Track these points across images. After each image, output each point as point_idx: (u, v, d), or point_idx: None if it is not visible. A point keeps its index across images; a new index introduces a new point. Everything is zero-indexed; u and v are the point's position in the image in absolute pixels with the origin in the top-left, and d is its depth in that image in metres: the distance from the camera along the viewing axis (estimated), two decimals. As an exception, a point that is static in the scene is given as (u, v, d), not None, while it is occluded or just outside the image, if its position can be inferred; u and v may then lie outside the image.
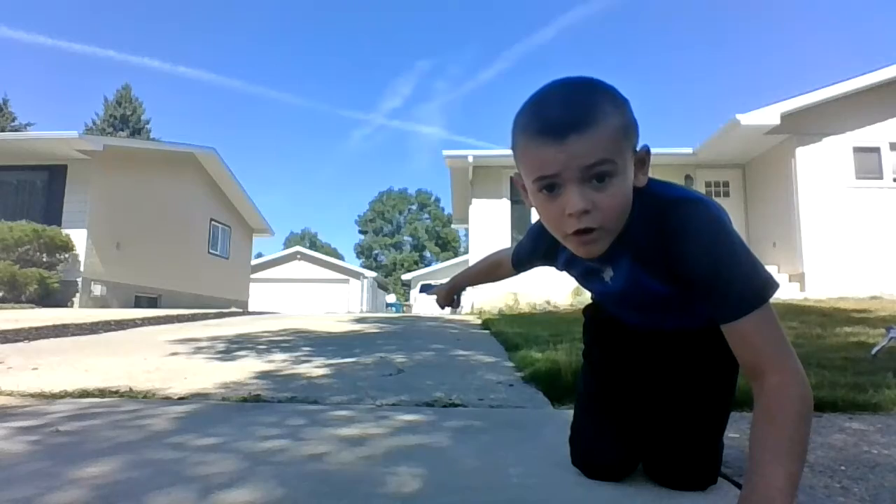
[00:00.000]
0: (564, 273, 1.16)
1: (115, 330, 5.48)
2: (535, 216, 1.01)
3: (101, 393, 2.30)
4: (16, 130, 25.74)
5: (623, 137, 0.83)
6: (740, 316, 0.85)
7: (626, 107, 0.85)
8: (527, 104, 0.87)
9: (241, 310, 11.56)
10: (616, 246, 0.92)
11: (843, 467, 1.34)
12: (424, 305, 18.66)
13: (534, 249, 1.18)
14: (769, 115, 9.59)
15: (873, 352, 3.28)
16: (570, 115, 0.80)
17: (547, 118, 0.81)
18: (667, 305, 1.03)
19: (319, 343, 4.36)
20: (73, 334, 4.98)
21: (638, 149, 0.87)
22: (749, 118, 9.62)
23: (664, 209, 0.91)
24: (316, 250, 36.49)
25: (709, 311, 0.90)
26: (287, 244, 46.60)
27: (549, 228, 0.90)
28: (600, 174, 0.81)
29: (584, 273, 1.09)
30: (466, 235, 24.38)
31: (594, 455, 1.17)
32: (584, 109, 0.80)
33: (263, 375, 2.83)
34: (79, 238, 10.31)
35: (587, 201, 0.81)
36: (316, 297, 26.18)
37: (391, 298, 38.09)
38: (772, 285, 0.87)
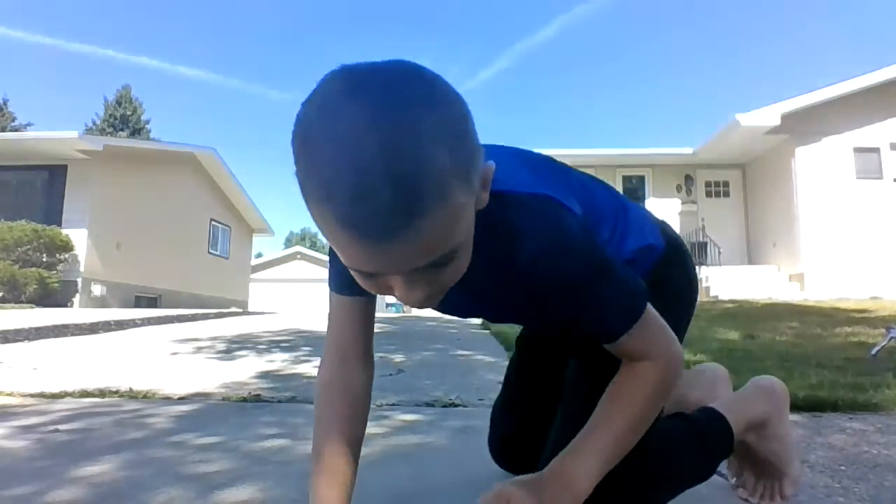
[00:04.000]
0: None
1: (115, 330, 5.48)
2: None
3: (102, 393, 2.30)
4: (16, 130, 25.74)
5: (468, 200, 0.56)
6: (619, 337, 0.74)
7: (466, 126, 0.55)
8: (319, 136, 0.51)
9: (241, 310, 11.55)
10: None
11: (843, 467, 1.34)
12: (424, 305, 18.66)
13: (342, 274, 0.81)
14: (769, 115, 9.59)
15: (873, 352, 3.29)
16: (394, 204, 0.49)
17: (358, 206, 0.49)
18: (521, 317, 0.93)
19: (319, 343, 4.35)
20: (73, 334, 4.98)
21: (483, 168, 0.60)
22: (749, 118, 9.62)
23: (500, 220, 0.69)
24: (316, 250, 36.47)
25: (578, 328, 0.78)
26: (287, 244, 46.60)
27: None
28: (439, 263, 0.56)
29: None
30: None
31: (496, 426, 1.16)
32: (414, 189, 0.49)
33: (264, 375, 2.83)
34: (79, 238, 10.31)
35: (423, 290, 0.59)
36: (316, 297, 26.18)
37: (391, 299, 38.04)
38: (644, 294, 0.75)
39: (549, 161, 0.88)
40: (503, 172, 0.68)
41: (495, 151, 0.75)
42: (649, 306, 0.75)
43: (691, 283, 1.00)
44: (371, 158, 0.48)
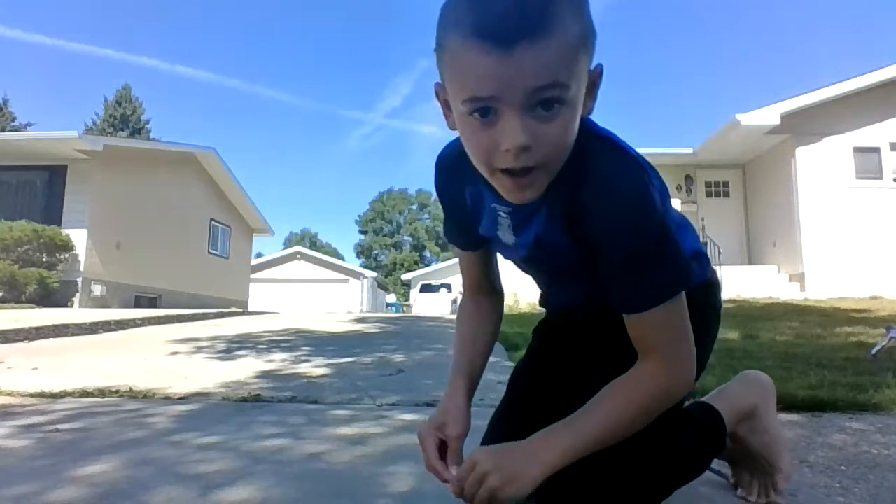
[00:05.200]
0: None
1: (115, 330, 5.48)
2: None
3: (102, 393, 2.31)
4: (16, 130, 25.75)
5: (582, 52, 0.64)
6: (647, 309, 0.74)
7: (586, 7, 0.66)
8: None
9: (241, 310, 11.55)
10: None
11: (843, 467, 1.34)
12: (424, 306, 18.67)
13: (454, 220, 0.94)
14: (769, 115, 9.59)
15: (873, 352, 3.29)
16: (521, 13, 0.59)
17: (491, 15, 0.60)
18: (578, 270, 0.88)
19: (319, 343, 4.36)
20: (73, 334, 4.98)
21: (593, 67, 0.69)
22: (749, 118, 9.62)
23: (588, 152, 0.73)
24: (316, 250, 36.52)
25: (610, 293, 0.78)
26: (287, 244, 46.62)
27: (473, 159, 0.71)
28: (549, 100, 0.63)
29: (491, 221, 0.87)
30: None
31: (487, 439, 1.06)
32: (539, 6, 0.60)
33: (263, 375, 2.83)
34: (79, 238, 10.31)
35: (529, 135, 0.63)
36: (316, 297, 26.18)
37: (391, 298, 38.08)
38: (692, 275, 0.77)
39: None
40: (605, 129, 0.79)
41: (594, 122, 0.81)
42: (685, 304, 0.76)
43: (719, 315, 1.02)
44: None
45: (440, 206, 0.96)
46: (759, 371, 1.15)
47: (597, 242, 0.75)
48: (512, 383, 1.13)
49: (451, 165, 0.86)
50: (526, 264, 0.95)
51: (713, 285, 0.99)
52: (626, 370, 0.80)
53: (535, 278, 1.04)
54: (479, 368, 0.99)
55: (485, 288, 1.02)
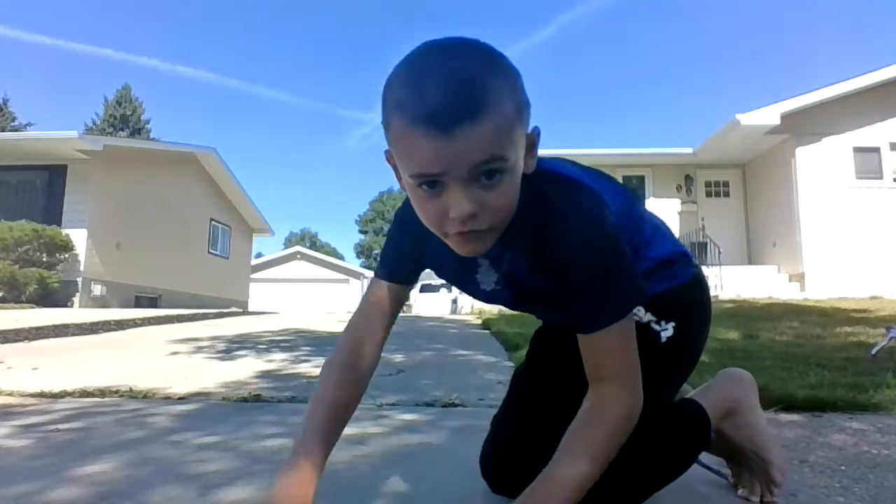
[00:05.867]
0: None
1: (115, 330, 5.48)
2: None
3: (102, 393, 2.31)
4: (16, 130, 25.75)
5: (517, 124, 0.70)
6: (601, 329, 0.79)
7: (518, 81, 0.72)
8: (402, 74, 0.70)
9: (241, 310, 11.55)
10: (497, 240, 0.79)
11: (843, 467, 1.34)
12: (424, 306, 18.69)
13: (398, 251, 0.95)
14: (769, 115, 9.59)
15: (873, 352, 3.29)
16: (458, 100, 0.64)
17: (430, 103, 0.65)
18: (549, 300, 0.92)
19: (319, 343, 4.35)
20: (73, 334, 4.98)
21: (529, 131, 0.75)
22: (749, 118, 9.62)
23: (543, 196, 0.81)
24: (316, 250, 36.51)
25: (573, 319, 0.83)
26: (287, 244, 46.59)
27: (427, 225, 0.76)
28: (490, 171, 0.68)
29: (458, 271, 0.93)
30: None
31: (488, 443, 1.10)
32: (475, 93, 0.65)
33: (263, 375, 2.83)
34: (79, 238, 10.31)
35: (474, 203, 0.69)
36: (316, 297, 26.17)
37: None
38: (642, 295, 0.82)
39: (594, 168, 0.99)
40: (556, 165, 0.86)
41: (547, 160, 0.87)
42: (634, 331, 0.81)
43: (710, 309, 1.06)
44: (440, 73, 0.66)
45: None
46: (739, 368, 1.17)
47: (559, 274, 0.81)
48: (513, 386, 1.15)
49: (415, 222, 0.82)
50: (492, 299, 0.97)
51: (700, 280, 1.04)
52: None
53: (528, 311, 1.04)
54: (339, 432, 0.91)
55: (376, 338, 0.95)
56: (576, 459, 0.77)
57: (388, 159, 0.77)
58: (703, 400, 1.03)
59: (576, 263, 0.79)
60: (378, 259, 0.99)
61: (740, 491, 1.11)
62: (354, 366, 0.93)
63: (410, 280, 0.97)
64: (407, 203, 0.89)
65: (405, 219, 0.91)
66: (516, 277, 0.89)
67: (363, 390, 0.95)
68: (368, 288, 0.99)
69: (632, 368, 0.80)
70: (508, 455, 1.04)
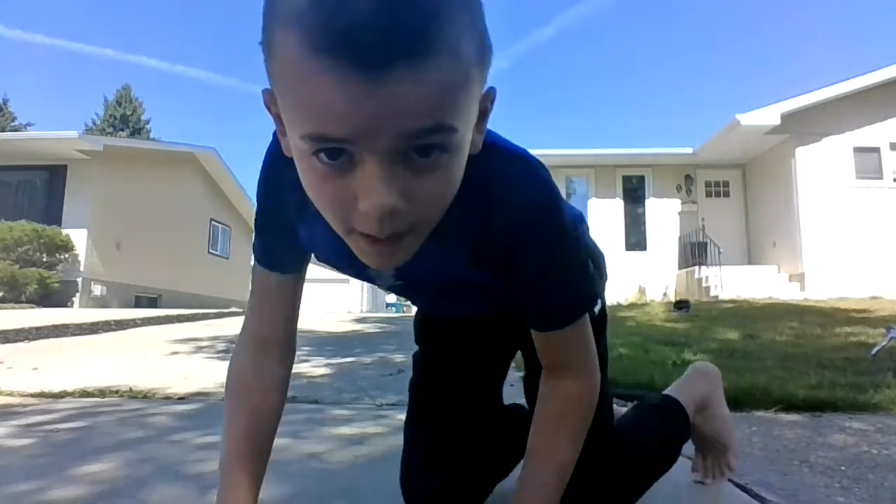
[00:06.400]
0: None
1: (115, 330, 5.48)
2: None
3: (102, 393, 2.31)
4: (16, 130, 25.75)
5: (476, 78, 0.46)
6: (559, 328, 0.70)
7: (480, 11, 0.47)
8: None
9: (241, 310, 11.55)
10: None
11: (843, 467, 1.34)
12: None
13: (268, 228, 0.71)
14: (769, 115, 9.59)
15: (873, 352, 3.29)
16: (396, 24, 0.39)
17: (349, 22, 0.39)
18: (481, 294, 0.78)
19: (319, 343, 4.35)
20: (73, 334, 4.98)
21: (484, 91, 0.51)
22: (749, 118, 9.62)
23: (491, 174, 0.61)
24: (316, 250, 36.42)
25: (526, 312, 0.72)
26: (287, 244, 46.54)
27: (321, 211, 0.51)
28: (427, 147, 0.45)
29: (345, 258, 0.64)
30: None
31: (412, 485, 0.94)
32: (424, 14, 0.40)
33: (263, 375, 2.83)
34: (79, 238, 10.31)
35: (398, 193, 0.45)
36: (316, 297, 26.16)
37: (391, 298, 38.04)
38: (597, 293, 0.75)
39: None
40: (495, 135, 0.64)
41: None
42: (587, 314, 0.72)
43: (605, 278, 0.96)
44: None
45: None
46: (706, 362, 1.22)
47: (507, 261, 0.65)
48: (421, 403, 1.04)
49: (283, 166, 0.60)
50: (402, 291, 0.79)
51: (596, 252, 0.93)
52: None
53: (409, 299, 0.89)
54: (265, 462, 0.77)
55: (281, 340, 0.77)
56: (551, 457, 0.74)
57: (267, 104, 0.51)
58: (680, 396, 1.07)
59: (534, 252, 0.64)
60: (255, 246, 0.75)
61: (694, 475, 1.17)
62: (262, 388, 0.76)
63: (296, 268, 0.74)
64: (271, 147, 0.65)
65: (274, 160, 0.64)
66: (441, 274, 0.70)
67: (280, 406, 0.79)
68: (252, 277, 0.76)
69: (591, 356, 0.74)
70: (443, 475, 0.93)
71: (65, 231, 10.19)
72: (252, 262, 0.76)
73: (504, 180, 0.61)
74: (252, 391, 0.75)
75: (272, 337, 0.76)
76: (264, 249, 0.73)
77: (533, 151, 0.73)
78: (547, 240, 0.64)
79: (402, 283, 0.74)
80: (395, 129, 0.42)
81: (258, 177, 0.68)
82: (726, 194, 11.72)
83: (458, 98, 0.44)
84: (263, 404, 0.76)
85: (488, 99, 0.53)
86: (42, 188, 10.87)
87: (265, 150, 0.67)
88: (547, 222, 0.64)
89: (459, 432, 0.95)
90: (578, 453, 0.74)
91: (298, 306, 0.78)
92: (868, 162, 9.84)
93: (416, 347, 1.09)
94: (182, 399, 2.20)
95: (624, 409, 1.14)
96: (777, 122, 9.56)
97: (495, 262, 0.66)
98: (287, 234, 0.70)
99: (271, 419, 0.77)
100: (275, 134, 0.61)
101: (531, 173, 0.63)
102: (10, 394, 2.29)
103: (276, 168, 0.64)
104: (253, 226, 0.74)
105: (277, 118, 0.51)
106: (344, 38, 0.39)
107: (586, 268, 0.73)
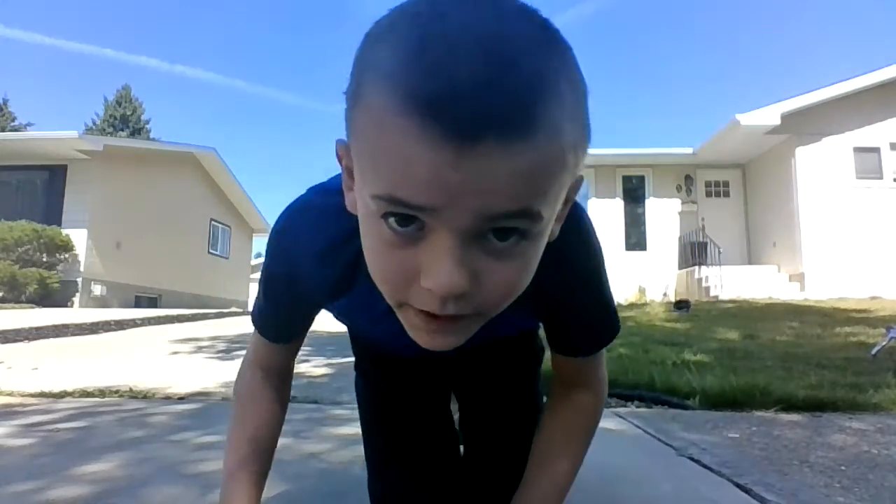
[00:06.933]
0: None
1: (115, 330, 5.48)
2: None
3: (102, 393, 2.31)
4: (16, 130, 25.74)
5: (572, 164, 0.42)
6: (588, 355, 0.73)
7: (585, 98, 0.43)
8: (400, 22, 0.40)
9: (241, 310, 11.56)
10: None
11: (843, 467, 1.34)
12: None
13: (279, 306, 0.72)
14: (769, 115, 9.59)
15: (873, 352, 3.29)
16: (498, 93, 0.36)
17: (450, 86, 0.36)
18: (512, 328, 0.82)
19: (319, 343, 4.35)
20: (73, 334, 4.98)
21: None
22: (749, 118, 9.62)
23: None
24: (316, 250, 36.42)
25: (553, 340, 0.73)
26: (287, 244, 46.52)
27: (374, 277, 0.47)
28: (507, 231, 0.41)
29: (391, 333, 0.59)
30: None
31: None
32: (527, 90, 0.37)
33: (263, 375, 2.83)
34: (79, 238, 10.31)
35: (469, 276, 0.41)
36: (316, 297, 26.15)
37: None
38: (618, 319, 0.74)
39: None
40: None
41: None
42: None
43: None
44: (470, 36, 0.36)
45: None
46: None
47: (552, 311, 0.68)
48: (379, 390, 0.97)
49: (328, 252, 0.60)
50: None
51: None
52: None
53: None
54: (269, 465, 0.78)
55: (283, 369, 0.81)
56: (558, 471, 0.74)
57: (338, 155, 0.49)
58: None
59: (580, 301, 0.68)
60: (256, 309, 0.75)
61: None
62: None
63: (300, 335, 0.78)
64: (301, 214, 0.64)
65: (287, 246, 0.64)
66: (492, 329, 0.58)
67: (283, 415, 0.82)
68: (251, 347, 0.80)
69: (604, 370, 0.77)
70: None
71: (65, 231, 10.20)
72: (261, 350, 0.79)
73: (558, 251, 0.55)
74: (258, 401, 0.78)
75: (277, 369, 0.80)
76: (271, 327, 0.75)
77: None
78: (594, 290, 0.68)
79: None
80: (477, 207, 0.39)
81: (274, 256, 0.66)
82: (726, 194, 11.72)
83: (549, 184, 0.40)
84: (268, 414, 0.78)
85: (575, 188, 0.49)
86: (42, 188, 10.87)
87: (279, 229, 0.65)
88: (594, 282, 0.67)
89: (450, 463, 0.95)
90: (579, 466, 0.76)
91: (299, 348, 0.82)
92: (868, 162, 9.84)
93: None
94: (182, 399, 2.20)
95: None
96: (777, 122, 9.56)
97: (540, 310, 0.68)
98: (306, 315, 0.73)
99: (275, 426, 0.79)
100: (292, 212, 0.63)
101: (580, 230, 0.63)
102: (10, 394, 2.29)
103: (301, 250, 0.62)
104: (258, 295, 0.73)
105: (348, 171, 0.48)
106: (437, 103, 0.36)
107: (612, 299, 0.73)
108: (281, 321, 0.74)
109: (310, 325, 0.77)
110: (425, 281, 0.42)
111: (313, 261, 0.61)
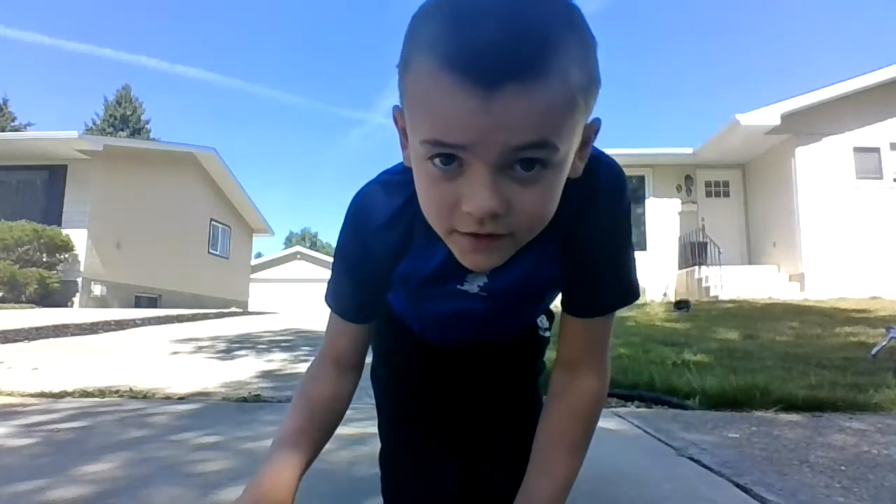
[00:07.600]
0: None
1: (115, 330, 5.47)
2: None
3: (102, 393, 2.31)
4: (16, 130, 25.75)
5: (581, 106, 0.51)
6: (608, 312, 0.74)
7: (594, 50, 0.53)
8: (440, 2, 0.51)
9: (241, 310, 11.55)
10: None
11: (843, 467, 1.34)
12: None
13: (349, 298, 0.77)
14: (769, 115, 9.59)
15: (873, 352, 3.29)
16: (515, 48, 0.47)
17: (476, 44, 0.47)
18: (540, 297, 0.82)
19: (319, 343, 4.35)
20: (73, 334, 4.98)
21: (590, 120, 0.57)
22: (749, 118, 9.62)
23: (593, 170, 0.64)
24: (316, 250, 36.48)
25: (575, 297, 0.74)
26: (287, 244, 46.58)
27: (425, 212, 0.58)
28: (530, 161, 0.51)
29: (437, 282, 0.73)
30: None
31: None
32: (538, 43, 0.47)
33: (263, 375, 2.83)
34: (79, 238, 10.31)
35: (500, 199, 0.52)
36: (316, 297, 26.11)
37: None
38: (638, 286, 0.76)
39: None
40: None
41: None
42: None
43: None
44: (495, 9, 0.47)
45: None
46: None
47: (581, 250, 0.70)
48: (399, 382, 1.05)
49: (392, 218, 0.69)
50: (482, 304, 0.77)
51: None
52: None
53: (465, 328, 0.87)
54: (319, 450, 0.79)
55: (353, 362, 0.83)
56: (577, 458, 0.75)
57: (395, 120, 0.60)
58: None
59: (608, 240, 0.70)
60: (331, 291, 0.78)
61: None
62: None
63: (370, 317, 0.80)
64: (369, 192, 0.71)
65: (357, 220, 0.71)
66: (534, 274, 0.72)
67: (344, 409, 0.84)
68: (324, 343, 0.83)
69: (608, 351, 0.78)
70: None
71: (65, 231, 10.20)
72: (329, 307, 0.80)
73: (599, 185, 0.66)
74: (324, 384, 0.81)
75: (348, 361, 0.82)
76: (349, 307, 0.78)
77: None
78: (622, 227, 0.70)
79: (486, 296, 0.75)
80: (504, 142, 0.49)
81: (347, 229, 0.72)
82: (726, 194, 11.72)
83: (562, 119, 0.50)
84: (330, 399, 0.80)
85: (592, 129, 0.58)
86: (42, 188, 10.87)
87: (344, 218, 0.72)
88: (623, 229, 0.71)
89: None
90: (585, 454, 0.76)
91: (370, 337, 0.83)
92: (868, 162, 9.84)
93: None
94: (182, 399, 2.20)
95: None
96: (777, 122, 9.56)
97: (571, 256, 0.70)
98: (378, 288, 0.76)
99: (335, 410, 0.82)
100: (361, 194, 0.71)
101: (611, 171, 0.68)
102: (10, 394, 2.29)
103: (371, 220, 0.70)
104: (330, 280, 0.78)
105: (403, 132, 0.59)
106: (468, 58, 0.47)
107: (635, 263, 0.75)
108: (355, 294, 0.76)
109: (379, 310, 0.80)
110: (466, 206, 0.52)
111: (379, 229, 0.69)
